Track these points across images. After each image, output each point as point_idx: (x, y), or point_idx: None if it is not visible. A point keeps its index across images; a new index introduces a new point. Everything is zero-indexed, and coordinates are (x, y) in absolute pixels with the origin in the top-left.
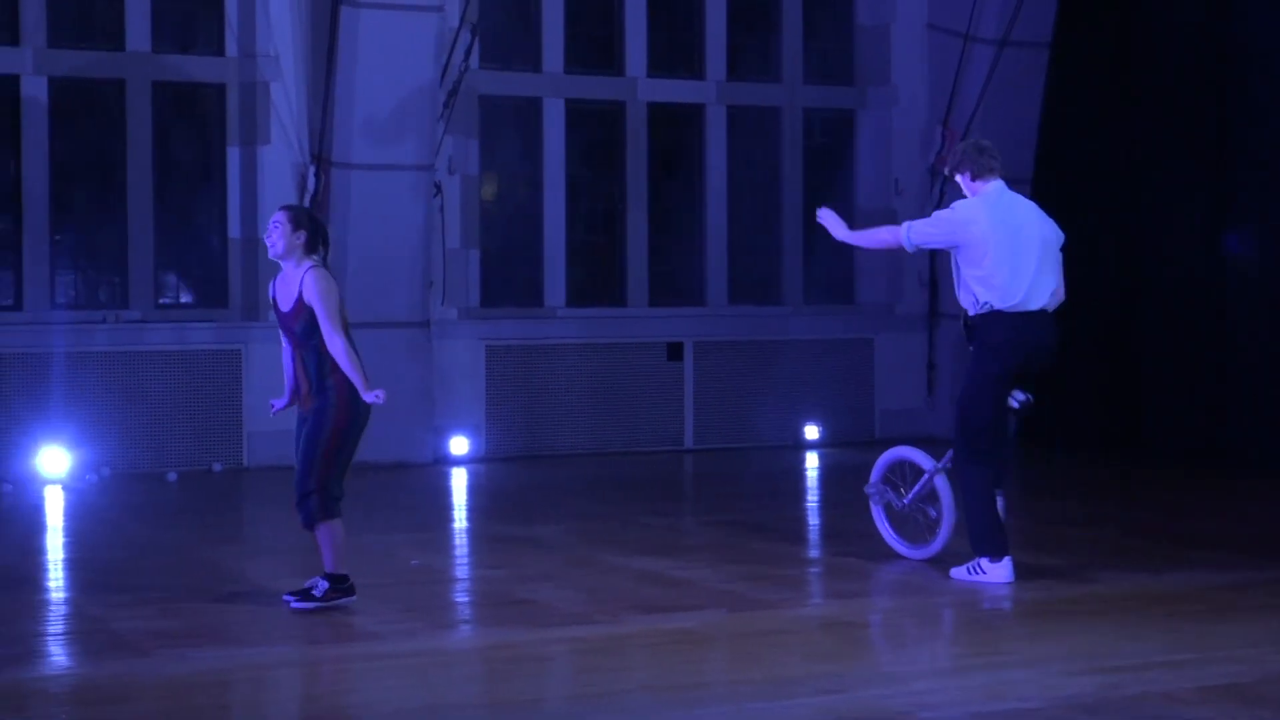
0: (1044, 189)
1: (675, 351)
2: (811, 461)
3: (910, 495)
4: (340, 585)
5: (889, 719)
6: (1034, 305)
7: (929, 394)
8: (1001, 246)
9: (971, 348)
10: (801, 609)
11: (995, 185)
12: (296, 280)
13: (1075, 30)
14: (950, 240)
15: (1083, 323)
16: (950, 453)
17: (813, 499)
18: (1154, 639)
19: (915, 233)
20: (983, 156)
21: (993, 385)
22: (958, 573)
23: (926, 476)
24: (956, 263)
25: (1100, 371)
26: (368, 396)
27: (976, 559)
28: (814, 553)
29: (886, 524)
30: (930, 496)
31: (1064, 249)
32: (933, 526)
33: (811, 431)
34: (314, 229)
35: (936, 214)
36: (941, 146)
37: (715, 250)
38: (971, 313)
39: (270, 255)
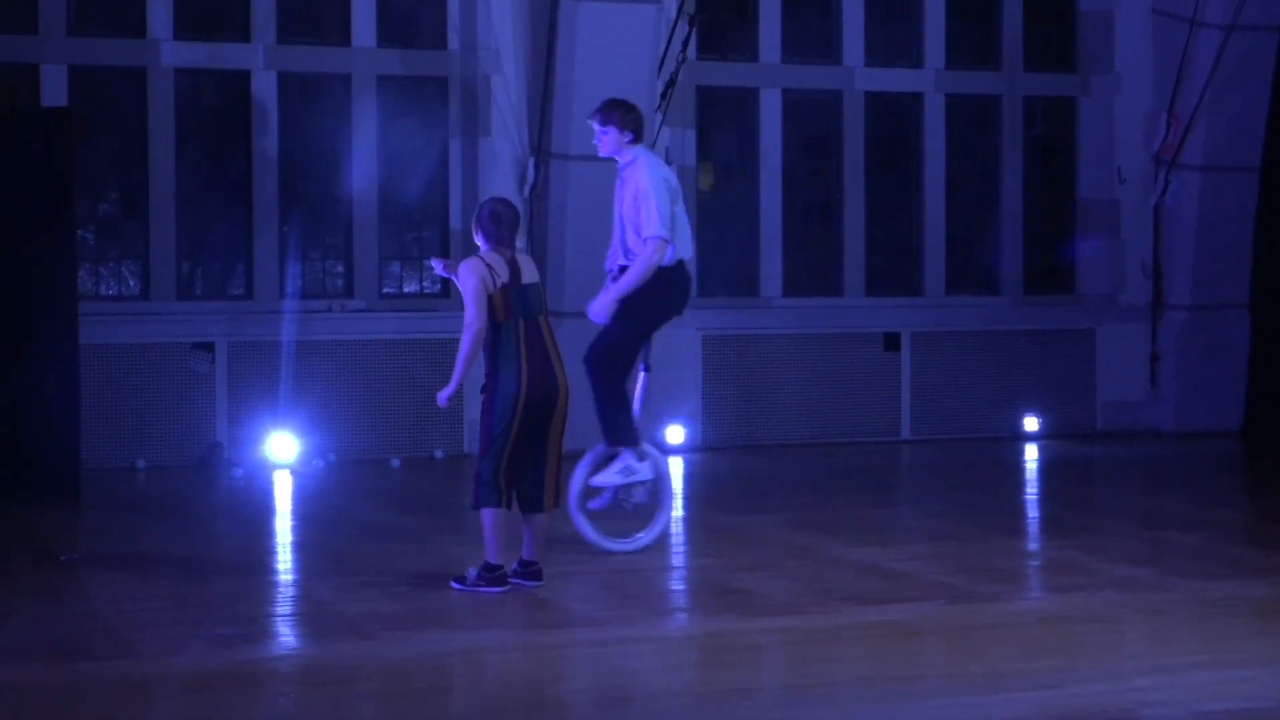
0: (1273, 178)
1: (892, 342)
2: (1031, 453)
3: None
4: (486, 574)
5: (1109, 716)
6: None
7: (1152, 386)
8: (666, 203)
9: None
10: (1020, 603)
11: (643, 147)
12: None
13: None
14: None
15: None
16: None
17: (1032, 491)
18: None
19: (660, 229)
20: (643, 121)
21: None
22: (605, 479)
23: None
24: (623, 215)
25: None
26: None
27: (623, 454)
28: (1033, 546)
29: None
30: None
31: None
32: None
33: (1031, 423)
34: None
35: (645, 190)
36: (1166, 134)
37: (933, 240)
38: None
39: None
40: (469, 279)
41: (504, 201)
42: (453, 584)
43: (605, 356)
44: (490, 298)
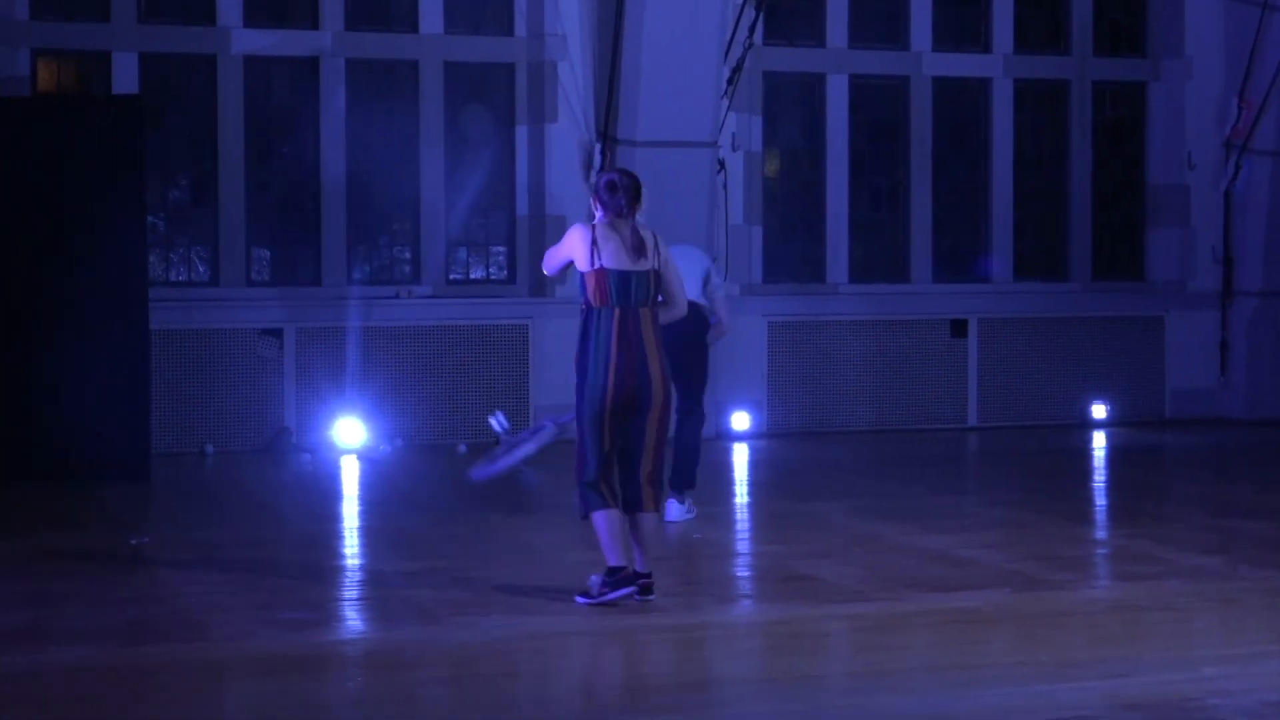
0: None
1: (959, 328)
2: (1099, 441)
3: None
4: (610, 579)
5: (1177, 705)
6: None
7: (1222, 373)
8: None
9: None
10: (1088, 591)
11: None
12: None
13: None
14: None
15: None
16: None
17: (1100, 479)
18: None
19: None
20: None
21: None
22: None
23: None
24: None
25: None
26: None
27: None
28: (1101, 534)
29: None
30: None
31: None
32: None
33: (1099, 410)
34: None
35: None
36: (1237, 119)
37: (1001, 226)
38: None
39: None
40: (565, 242)
41: (623, 171)
42: (578, 599)
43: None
44: (583, 277)
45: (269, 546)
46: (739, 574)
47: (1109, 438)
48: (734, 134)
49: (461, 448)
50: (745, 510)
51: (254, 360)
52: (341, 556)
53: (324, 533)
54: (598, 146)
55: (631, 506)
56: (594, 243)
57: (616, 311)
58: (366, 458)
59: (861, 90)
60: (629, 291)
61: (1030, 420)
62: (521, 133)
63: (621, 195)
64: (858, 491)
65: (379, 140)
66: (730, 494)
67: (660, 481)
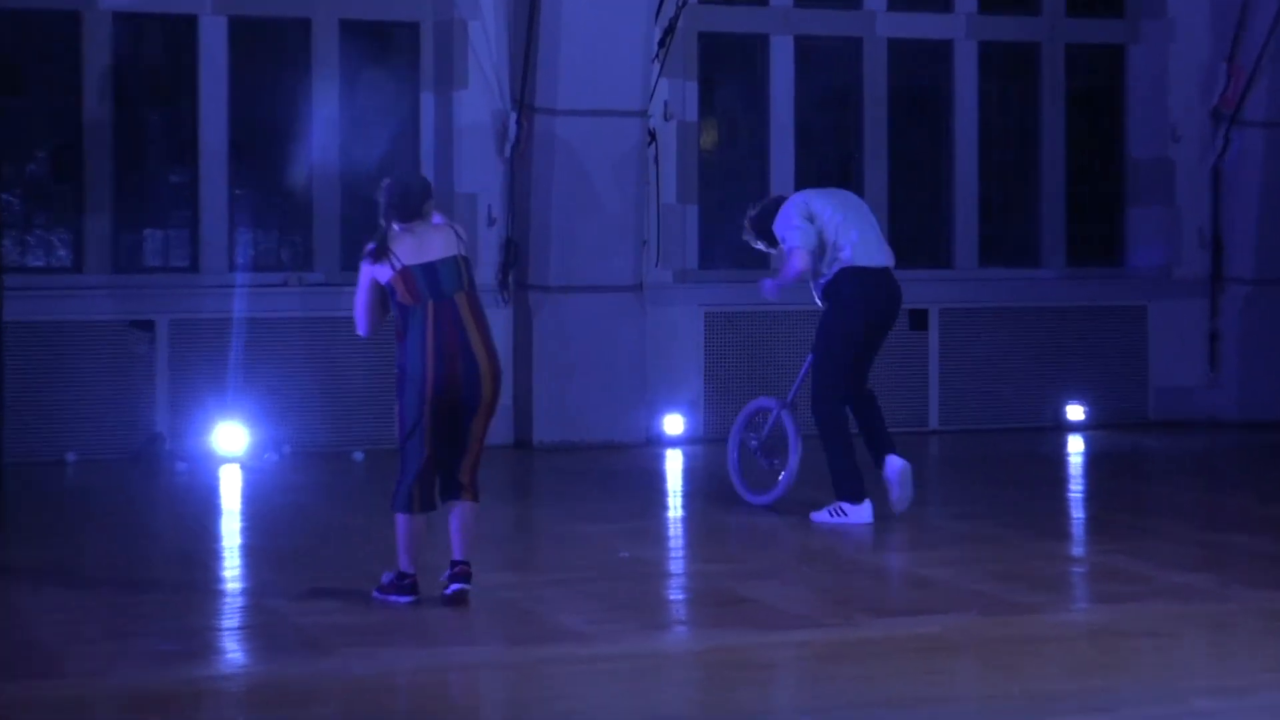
0: None
1: (919, 320)
2: (1075, 445)
3: (764, 434)
4: (396, 581)
5: None
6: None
7: (1211, 369)
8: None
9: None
10: (1064, 614)
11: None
12: None
13: None
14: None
15: None
16: (794, 388)
17: (1076, 488)
18: None
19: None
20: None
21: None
22: (818, 516)
23: (774, 414)
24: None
25: None
26: None
27: (837, 502)
28: (1078, 550)
29: (738, 471)
30: (777, 441)
31: None
32: (775, 473)
33: (1075, 412)
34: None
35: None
36: (1226, 87)
37: (964, 205)
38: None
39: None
40: (360, 280)
41: (410, 172)
42: (374, 593)
43: (812, 386)
44: (391, 285)
45: (137, 567)
46: (672, 597)
47: (1086, 442)
48: (666, 102)
49: (358, 455)
50: (679, 525)
51: (122, 357)
52: (220, 579)
53: (200, 551)
54: (513, 116)
55: (449, 495)
56: (386, 252)
57: (430, 304)
58: (250, 467)
59: (809, 53)
60: (438, 282)
61: (998, 423)
62: (427, 100)
63: (414, 198)
64: (804, 503)
65: (266, 109)
66: (662, 506)
67: (478, 469)
